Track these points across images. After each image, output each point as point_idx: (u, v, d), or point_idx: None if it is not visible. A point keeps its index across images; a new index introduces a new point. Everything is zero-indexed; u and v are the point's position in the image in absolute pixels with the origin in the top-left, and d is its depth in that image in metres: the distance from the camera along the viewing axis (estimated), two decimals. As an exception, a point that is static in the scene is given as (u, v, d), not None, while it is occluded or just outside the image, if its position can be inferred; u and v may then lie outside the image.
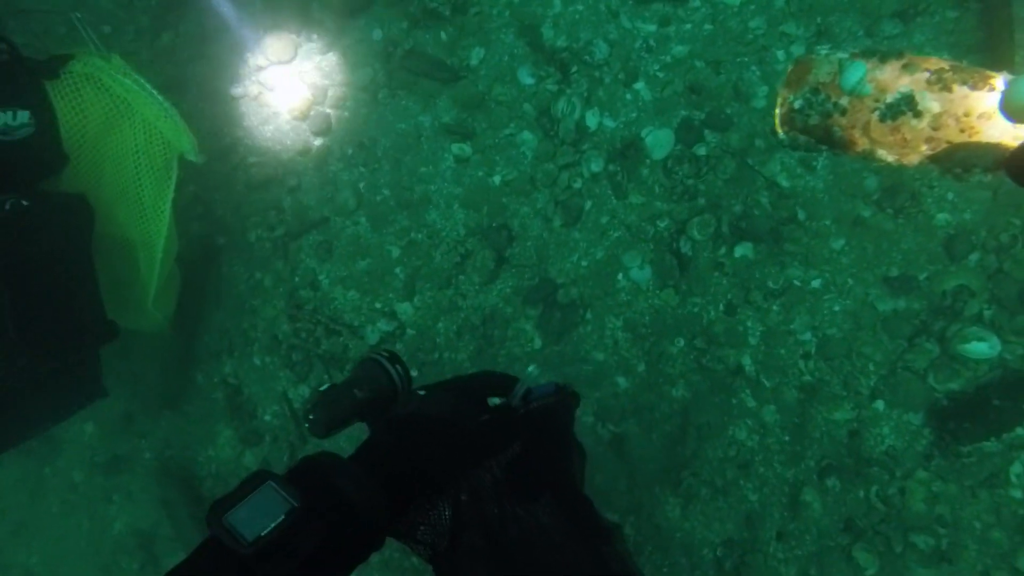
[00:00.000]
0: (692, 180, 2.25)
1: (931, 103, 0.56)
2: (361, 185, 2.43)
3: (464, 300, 2.35)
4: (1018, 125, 0.56)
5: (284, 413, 2.44)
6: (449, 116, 2.38)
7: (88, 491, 2.55)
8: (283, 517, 0.82)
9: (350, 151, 2.45)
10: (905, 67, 0.59)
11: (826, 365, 2.16)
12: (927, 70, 0.58)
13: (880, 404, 2.13)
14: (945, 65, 0.56)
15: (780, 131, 0.60)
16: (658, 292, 2.26)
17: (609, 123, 2.29)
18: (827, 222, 2.21)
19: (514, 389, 1.16)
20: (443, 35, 2.40)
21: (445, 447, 1.05)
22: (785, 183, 2.23)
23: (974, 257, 2.12)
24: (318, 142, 2.46)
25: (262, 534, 0.80)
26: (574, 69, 2.31)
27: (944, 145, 0.57)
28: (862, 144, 0.59)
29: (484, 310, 2.33)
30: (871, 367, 2.13)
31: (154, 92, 1.90)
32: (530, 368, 0.93)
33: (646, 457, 2.24)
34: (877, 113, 0.58)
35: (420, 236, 2.40)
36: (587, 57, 2.29)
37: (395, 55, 2.41)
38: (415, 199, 2.40)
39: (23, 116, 1.69)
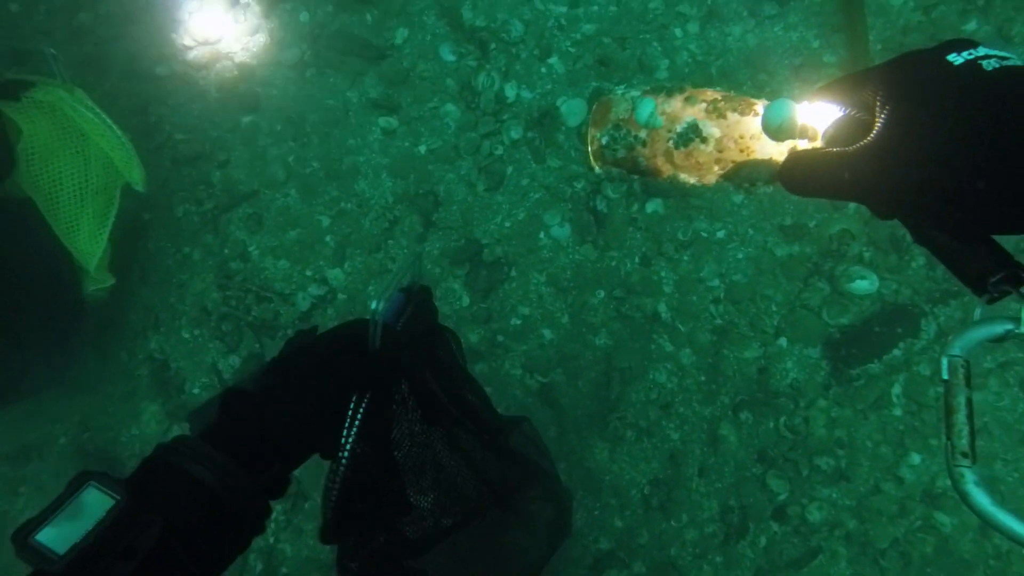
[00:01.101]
0: (605, 145, 2.43)
1: (712, 129, 0.69)
2: (290, 159, 2.48)
3: (394, 263, 2.40)
4: (778, 143, 0.71)
5: (214, 384, 2.40)
6: (376, 92, 2.48)
7: (-3, 484, 2.41)
8: (103, 515, 0.67)
9: (279, 127, 2.50)
10: (687, 99, 0.73)
11: (734, 308, 2.33)
12: (704, 101, 0.72)
13: (783, 341, 2.31)
14: (718, 96, 0.69)
15: (595, 166, 0.70)
16: (578, 248, 2.39)
17: (526, 94, 2.45)
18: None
19: (369, 336, 0.94)
20: (368, 17, 2.51)
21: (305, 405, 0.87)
22: (688, 145, 2.44)
23: (852, 206, 2.36)
24: (247, 119, 2.49)
25: (76, 542, 0.65)
26: (492, 46, 2.47)
27: (730, 164, 0.70)
28: (666, 170, 0.71)
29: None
30: (773, 308, 2.32)
31: (111, 124, 1.98)
32: (373, 304, 0.84)
33: (574, 404, 2.32)
34: (671, 142, 0.72)
35: (349, 205, 2.46)
36: (504, 35, 2.46)
37: (322, 36, 2.51)
38: (344, 170, 2.47)
39: None
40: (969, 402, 0.58)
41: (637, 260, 2.33)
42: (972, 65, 0.51)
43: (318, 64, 2.47)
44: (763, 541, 2.20)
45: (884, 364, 2.18)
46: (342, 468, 0.89)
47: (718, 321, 2.28)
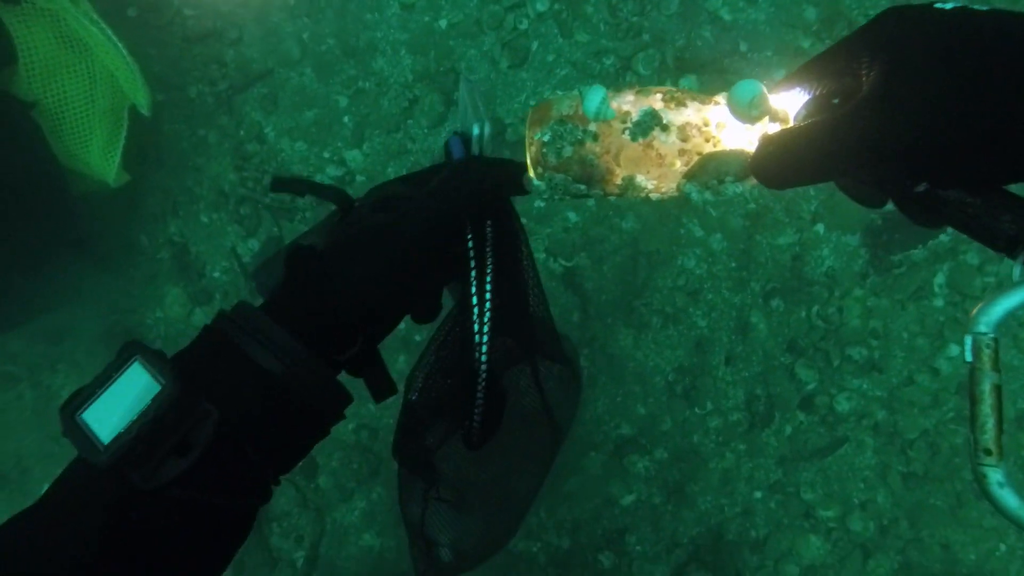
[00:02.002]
0: (636, 17, 2.25)
1: (673, 116, 0.58)
2: (305, 35, 2.35)
3: (413, 143, 2.31)
4: (748, 127, 0.58)
5: (234, 268, 2.37)
6: (393, -39, 2.33)
7: (29, 360, 2.45)
8: (148, 404, 0.58)
9: (292, 1, 2.38)
10: (639, 93, 0.61)
11: (769, 192, 2.21)
12: (659, 93, 0.60)
13: (820, 227, 2.19)
14: (675, 89, 0.58)
15: (532, 173, 0.59)
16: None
17: (554, -38, 2.28)
18: (768, 53, 2.24)
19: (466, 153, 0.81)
20: None
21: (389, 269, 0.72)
22: (727, 16, 2.25)
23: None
24: (258, -7, 2.39)
25: (120, 431, 0.57)
26: (518, -91, 2.29)
27: (695, 158, 0.59)
28: (622, 170, 0.59)
29: (433, 152, 2.30)
30: (811, 191, 2.19)
31: (117, 42, 1.82)
32: (475, 130, 0.70)
33: (598, 289, 2.26)
34: (628, 133, 0.60)
35: (367, 84, 2.34)
36: None
37: (336, -99, 2.35)
38: (361, 47, 2.34)
39: None
40: (997, 389, 0.51)
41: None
42: (964, 10, 0.48)
43: (332, -69, 2.32)
44: (788, 430, 2.16)
45: (928, 250, 2.06)
46: (485, 328, 0.75)
47: (751, 205, 2.17)
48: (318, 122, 2.30)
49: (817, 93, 0.57)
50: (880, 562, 2.08)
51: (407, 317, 0.78)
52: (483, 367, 0.76)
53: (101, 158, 1.98)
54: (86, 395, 0.61)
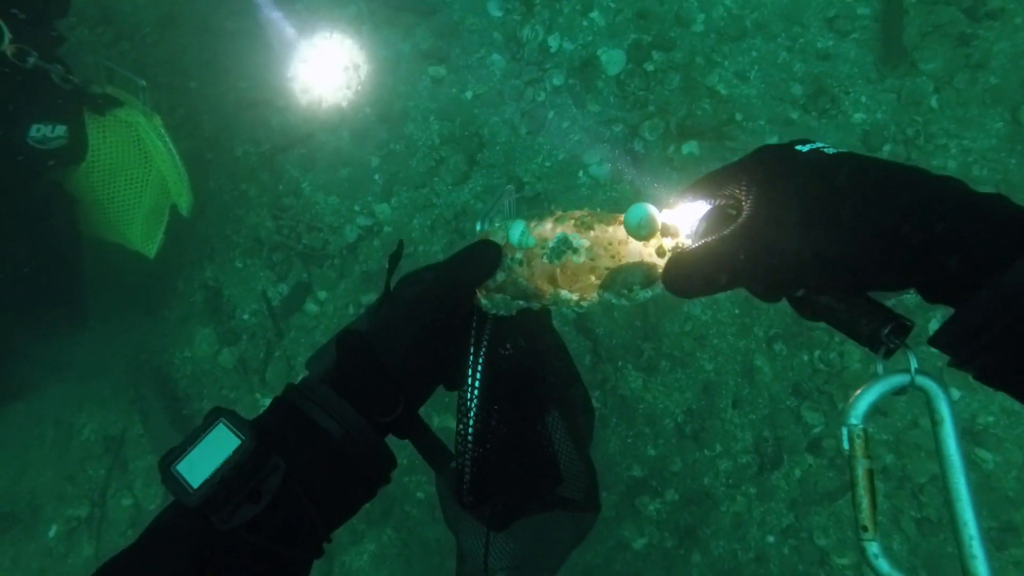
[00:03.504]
0: (643, 92, 2.49)
1: (582, 240, 0.75)
2: (344, 105, 2.61)
3: (438, 198, 2.48)
4: (644, 243, 0.77)
5: (262, 311, 2.47)
6: (427, 43, 2.59)
7: (56, 399, 2.49)
8: (230, 454, 0.69)
9: (335, 76, 2.64)
10: (556, 220, 0.80)
11: (767, 246, 2.35)
12: (572, 219, 0.79)
13: (817, 278, 2.31)
14: (585, 213, 0.76)
15: (480, 296, 0.76)
16: (615, 186, 2.44)
17: (568, 45, 2.54)
18: (762, 122, 2.45)
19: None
20: (421, -22, 2.68)
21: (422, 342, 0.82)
22: (724, 91, 2.50)
23: (887, 148, 2.37)
24: (305, 68, 2.66)
25: (207, 478, 0.68)
26: (537, 2, 2.59)
27: (605, 272, 0.74)
28: (547, 288, 0.75)
29: (456, 206, 2.46)
30: (807, 245, 2.33)
31: (175, 153, 2.11)
32: (478, 226, 0.89)
33: (608, 334, 2.34)
34: (545, 258, 0.78)
35: (398, 147, 2.55)
36: (549, -8, 2.59)
37: (378, -5, 2.68)
38: (394, 114, 2.58)
39: (60, 130, 1.93)
40: (869, 473, 0.58)
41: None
42: (816, 152, 0.59)
43: (373, 20, 2.61)
44: (797, 473, 2.16)
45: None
46: (475, 395, 0.82)
47: (752, 258, 2.30)
48: (351, 179, 2.49)
49: (711, 206, 0.68)
50: (900, 613, 2.01)
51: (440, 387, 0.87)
52: (470, 428, 0.82)
53: (140, 242, 2.21)
54: (178, 451, 0.71)
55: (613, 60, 2.43)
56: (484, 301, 0.82)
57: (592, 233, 0.75)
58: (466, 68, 2.49)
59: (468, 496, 0.84)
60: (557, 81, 2.43)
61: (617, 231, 0.75)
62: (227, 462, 0.68)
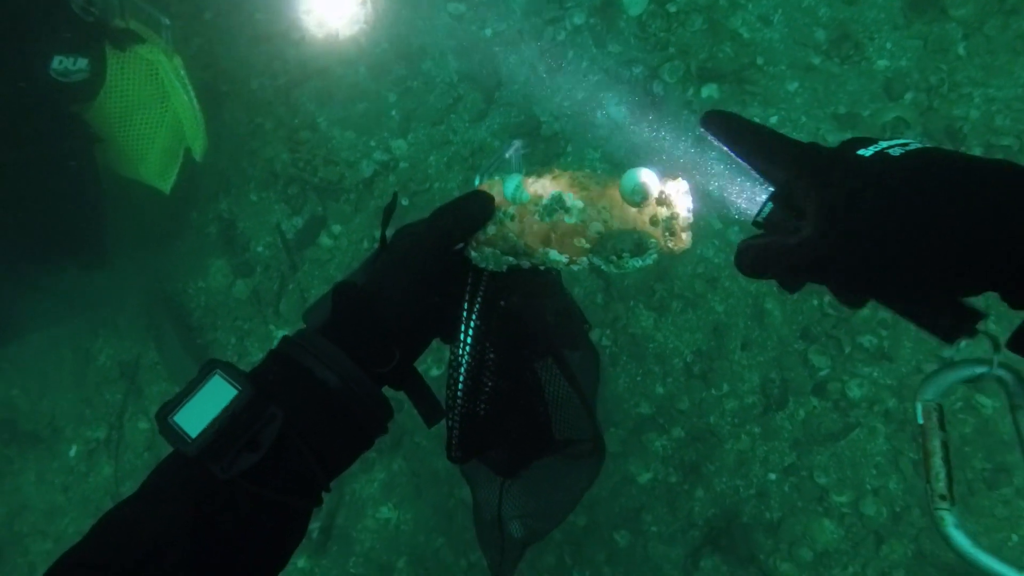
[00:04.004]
0: (664, 33, 2.46)
1: (575, 201, 0.71)
2: (362, 39, 2.58)
3: (455, 135, 2.47)
4: (639, 211, 0.72)
5: (277, 244, 2.48)
6: (446, -22, 2.57)
7: (73, 325, 2.52)
8: (227, 404, 0.69)
9: (352, 9, 2.60)
10: (554, 178, 0.76)
11: (782, 191, 2.35)
12: (570, 179, 0.75)
13: (830, 225, 2.32)
14: (584, 174, 0.72)
15: (470, 249, 0.73)
16: (633, 127, 2.44)
17: (591, -17, 2.52)
18: (783, 67, 2.43)
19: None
20: (442, -90, 2.62)
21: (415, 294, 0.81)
22: (746, 34, 2.46)
23: (909, 96, 2.35)
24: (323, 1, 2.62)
25: (204, 428, 0.68)
26: (560, -62, 2.55)
27: (596, 236, 0.71)
28: (537, 247, 0.72)
29: (473, 143, 2.45)
30: (822, 192, 2.34)
31: (192, 96, 2.08)
32: (476, 180, 0.87)
33: (620, 273, 2.37)
34: (537, 215, 0.74)
35: (415, 83, 2.53)
36: (572, -72, 2.54)
37: (397, -73, 2.62)
38: (412, 51, 2.55)
39: (82, 63, 1.89)
40: (944, 445, 0.59)
41: (689, 141, 2.37)
42: (882, 155, 0.55)
43: (393, -48, 2.57)
44: (802, 414, 2.20)
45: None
46: (467, 351, 0.81)
47: (767, 203, 2.31)
48: (367, 114, 2.47)
49: (771, 195, 0.65)
50: (894, 548, 2.08)
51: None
52: (460, 384, 0.82)
53: (155, 178, 2.19)
54: (175, 403, 0.71)
55: (636, 0, 2.39)
56: (474, 254, 0.80)
57: (587, 194, 0.73)
58: (486, 5, 2.45)
59: (456, 451, 0.85)
60: (578, 20, 2.39)
61: (613, 195, 0.73)
62: (224, 412, 0.68)
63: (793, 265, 0.59)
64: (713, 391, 2.20)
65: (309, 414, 0.73)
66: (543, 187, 0.76)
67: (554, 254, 0.75)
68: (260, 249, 2.42)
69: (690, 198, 0.71)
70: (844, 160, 0.57)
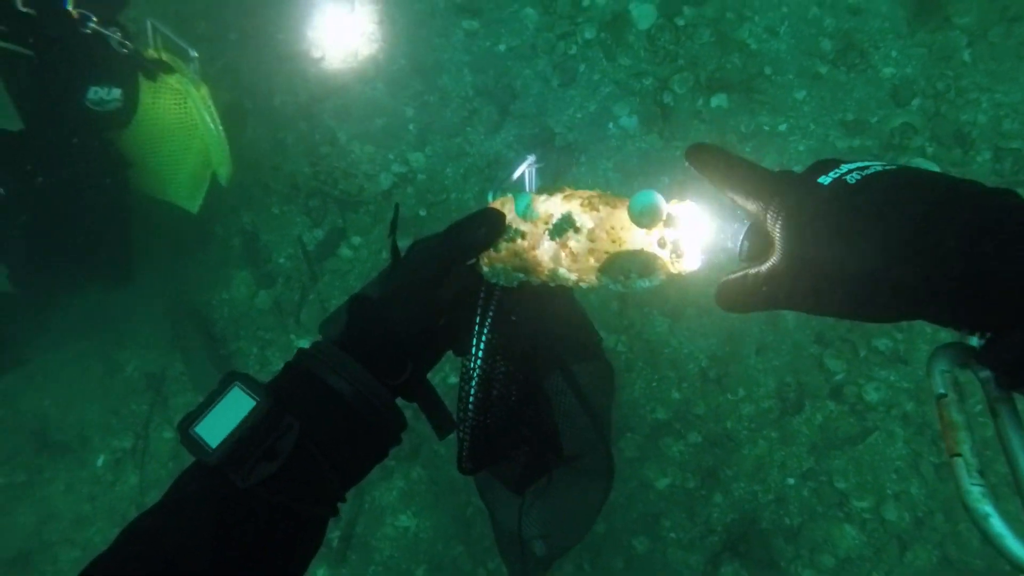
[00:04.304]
0: (673, 46, 2.51)
1: (586, 221, 0.74)
2: (380, 57, 2.65)
3: (471, 147, 2.52)
4: (647, 232, 0.75)
5: (298, 255, 2.54)
6: (460, -2, 2.65)
7: (101, 337, 2.58)
8: (246, 415, 0.71)
9: (371, 28, 2.69)
10: (565, 197, 0.79)
11: (794, 198, 2.36)
12: (580, 198, 0.78)
13: (843, 230, 2.33)
14: (595, 194, 0.75)
15: (482, 264, 0.76)
16: (644, 137, 2.47)
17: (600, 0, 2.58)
18: (790, 76, 2.46)
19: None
20: (456, -66, 2.71)
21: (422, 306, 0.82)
22: (754, 45, 2.50)
23: (916, 102, 2.37)
24: (342, 21, 2.71)
25: (224, 438, 0.70)
26: (570, -43, 2.62)
27: (604, 256, 0.73)
28: (546, 264, 0.75)
29: (489, 155, 2.49)
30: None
31: (219, 125, 2.16)
32: (489, 196, 0.88)
33: (636, 280, 2.38)
34: (547, 233, 0.77)
35: (432, 98, 2.60)
36: (582, -53, 2.61)
37: (414, -50, 2.71)
38: (428, 66, 2.62)
39: (116, 93, 1.97)
40: (968, 417, 0.55)
41: (701, 151, 2.41)
42: (838, 183, 0.56)
43: (409, -26, 2.66)
44: (819, 418, 2.19)
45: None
46: (478, 363, 0.82)
47: (779, 209, 2.32)
48: (386, 128, 2.53)
49: (745, 225, 0.67)
50: (918, 554, 2.05)
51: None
52: (471, 397, 0.83)
53: (183, 201, 2.26)
54: (196, 414, 0.73)
55: (644, 14, 2.44)
56: (486, 269, 0.81)
57: (597, 214, 0.73)
58: (499, 21, 2.52)
59: (467, 463, 0.86)
60: (589, 35, 2.45)
61: (621, 216, 0.73)
62: (243, 422, 0.70)
63: (767, 294, 0.61)
64: (729, 396, 2.20)
65: (325, 424, 0.74)
66: (554, 206, 0.76)
67: (563, 272, 0.76)
68: (282, 261, 2.48)
69: (698, 221, 0.71)
70: (804, 188, 0.58)
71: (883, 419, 2.14)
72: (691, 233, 0.71)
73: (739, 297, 0.64)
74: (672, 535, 2.14)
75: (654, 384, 2.23)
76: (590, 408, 1.16)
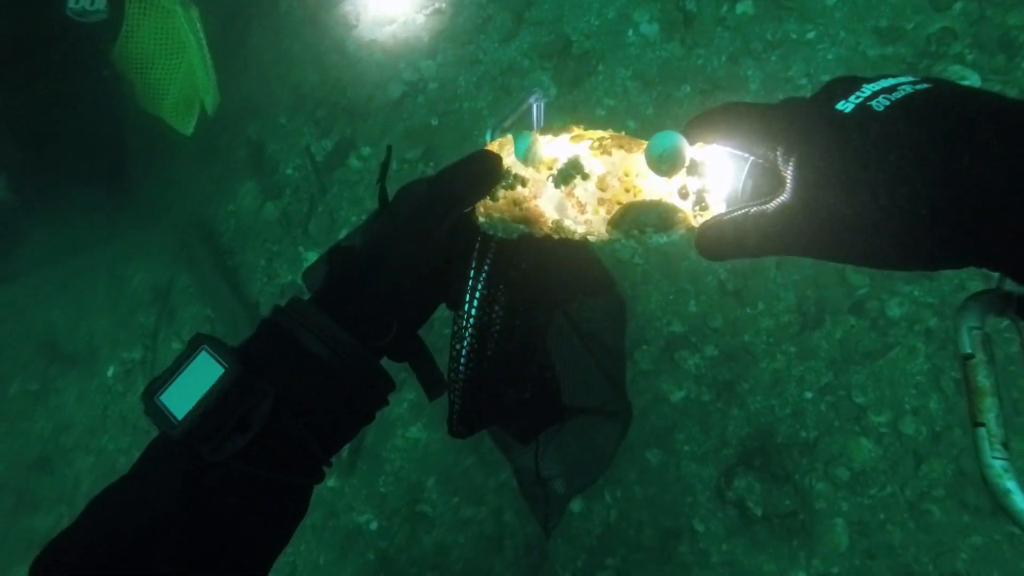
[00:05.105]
0: (698, -53, 2.38)
1: (596, 166, 0.61)
2: (389, -39, 2.53)
3: (484, 55, 2.40)
4: (666, 180, 0.61)
5: (306, 166, 2.46)
6: (474, -102, 2.50)
7: (107, 252, 2.53)
8: (213, 383, 0.64)
9: (380, -69, 2.55)
10: (573, 138, 0.66)
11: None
12: (590, 139, 0.64)
13: (871, 141, 2.23)
14: (606, 134, 0.62)
15: (478, 214, 0.65)
16: (665, 45, 2.34)
17: (623, -101, 2.43)
18: (822, -22, 2.34)
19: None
20: None
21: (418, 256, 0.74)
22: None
23: (958, 6, 2.25)
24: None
25: (190, 409, 0.64)
26: None
27: (616, 207, 0.61)
28: (550, 216, 0.63)
29: (503, 63, 2.38)
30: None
31: (206, 50, 2.04)
32: (487, 135, 0.78)
33: (654, 192, 2.30)
34: (551, 179, 0.65)
35: (444, 5, 2.48)
36: None
37: None
38: (440, -29, 2.50)
39: (100, 3, 1.87)
40: (997, 381, 0.48)
41: (724, 58, 2.28)
42: (863, 110, 0.47)
43: None
44: (839, 333, 2.13)
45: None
46: (470, 323, 0.74)
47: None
48: (395, 35, 2.43)
49: (749, 161, 0.57)
50: (933, 467, 2.00)
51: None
52: (462, 357, 0.76)
53: (176, 123, 2.17)
54: (162, 380, 0.66)
55: (669, -86, 2.30)
56: (482, 220, 0.72)
57: (609, 159, 0.64)
58: (515, -78, 2.38)
59: (457, 426, 0.79)
60: (609, -65, 2.31)
61: (637, 161, 0.63)
62: (211, 391, 0.64)
63: (773, 236, 0.52)
64: (748, 309, 2.13)
65: (302, 390, 0.68)
66: (559, 148, 0.67)
67: (569, 224, 0.67)
68: (289, 171, 2.39)
69: (727, 167, 0.59)
70: (821, 119, 0.49)
71: (905, 334, 2.07)
72: (718, 182, 0.60)
73: (733, 239, 0.55)
74: (686, 448, 2.10)
75: (671, 297, 2.16)
76: (598, 355, 1.08)
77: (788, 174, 0.50)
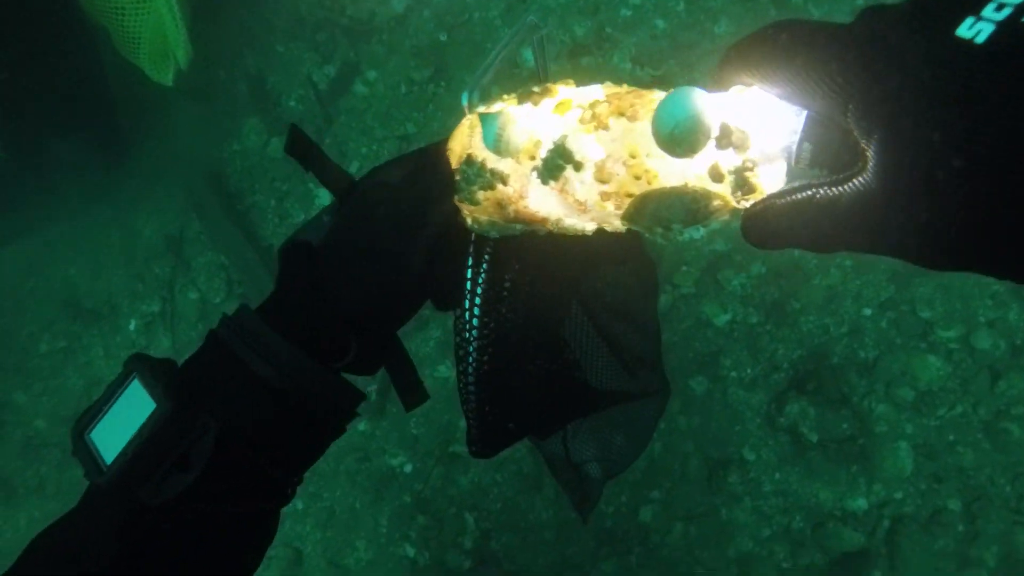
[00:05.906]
0: None
1: (590, 149, 0.37)
2: None
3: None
4: (690, 159, 0.35)
5: (309, 96, 2.29)
6: None
7: (116, 202, 2.43)
8: (144, 422, 0.56)
9: None
10: (558, 107, 0.40)
11: None
12: (579, 107, 0.39)
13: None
14: (600, 98, 0.37)
15: (468, 219, 0.44)
16: (698, -77, 2.07)
17: None
18: None
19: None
20: None
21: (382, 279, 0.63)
22: None
23: None
24: None
25: (120, 450, 0.56)
26: None
27: (626, 200, 0.38)
28: (545, 216, 0.41)
29: (492, 25, 2.15)
30: None
31: (175, 5, 1.83)
32: (464, 97, 0.54)
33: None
34: (536, 174, 0.40)
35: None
36: None
37: None
38: None
39: None
40: None
41: (767, -66, 1.99)
42: (1002, 38, 0.26)
43: None
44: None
45: None
46: (474, 334, 0.60)
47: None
48: (394, -58, 2.18)
49: (809, 115, 0.38)
50: (1012, 383, 1.81)
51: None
52: (470, 374, 0.63)
53: (153, 74, 1.99)
54: (93, 413, 0.58)
55: None
56: (471, 224, 0.57)
57: (607, 135, 0.46)
58: None
59: (475, 446, 0.68)
60: None
61: (646, 133, 0.44)
62: (139, 433, 0.55)
63: (854, 227, 0.35)
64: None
65: (251, 419, 0.59)
66: (541, 124, 0.49)
67: (573, 223, 0.51)
68: (292, 103, 2.22)
69: (774, 122, 0.39)
70: (927, 57, 0.30)
71: (979, 238, 1.83)
72: (764, 150, 0.41)
73: (793, 227, 0.38)
74: (733, 374, 1.95)
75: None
76: (629, 333, 0.93)
77: (871, 150, 0.33)
